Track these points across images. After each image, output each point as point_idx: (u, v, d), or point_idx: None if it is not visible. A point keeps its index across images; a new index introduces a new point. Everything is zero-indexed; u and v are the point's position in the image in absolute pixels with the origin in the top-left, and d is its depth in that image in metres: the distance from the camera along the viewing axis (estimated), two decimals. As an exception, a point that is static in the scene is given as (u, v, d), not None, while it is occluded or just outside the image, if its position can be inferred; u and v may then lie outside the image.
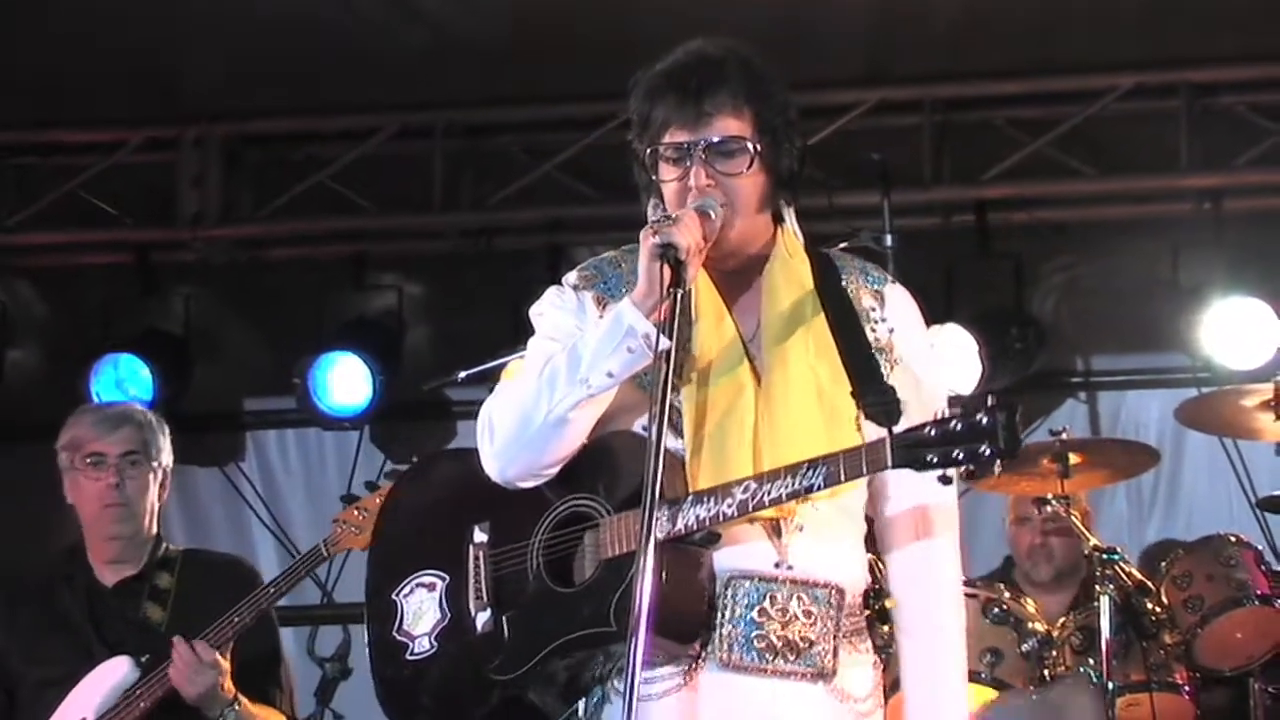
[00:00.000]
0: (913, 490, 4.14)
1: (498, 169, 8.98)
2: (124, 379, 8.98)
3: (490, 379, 8.46)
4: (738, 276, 4.20)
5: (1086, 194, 8.74)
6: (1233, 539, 7.25)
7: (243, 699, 5.87)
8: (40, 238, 9.29)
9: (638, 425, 4.06)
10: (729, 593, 4.03)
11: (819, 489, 3.90)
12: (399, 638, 4.33)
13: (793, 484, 3.90)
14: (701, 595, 4.00)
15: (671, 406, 3.97)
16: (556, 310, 4.23)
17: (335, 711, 6.49)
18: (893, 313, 4.23)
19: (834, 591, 4.07)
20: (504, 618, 4.17)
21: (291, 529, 9.27)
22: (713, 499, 3.94)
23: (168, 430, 6.18)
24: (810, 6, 7.93)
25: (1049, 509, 7.16)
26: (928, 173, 8.59)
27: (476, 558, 4.24)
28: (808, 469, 3.89)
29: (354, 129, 9.06)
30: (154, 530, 6.14)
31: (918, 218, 8.52)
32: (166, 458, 6.13)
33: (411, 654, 4.30)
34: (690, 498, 3.96)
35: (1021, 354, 8.60)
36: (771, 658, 4.02)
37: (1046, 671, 7.03)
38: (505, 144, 9.05)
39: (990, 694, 6.91)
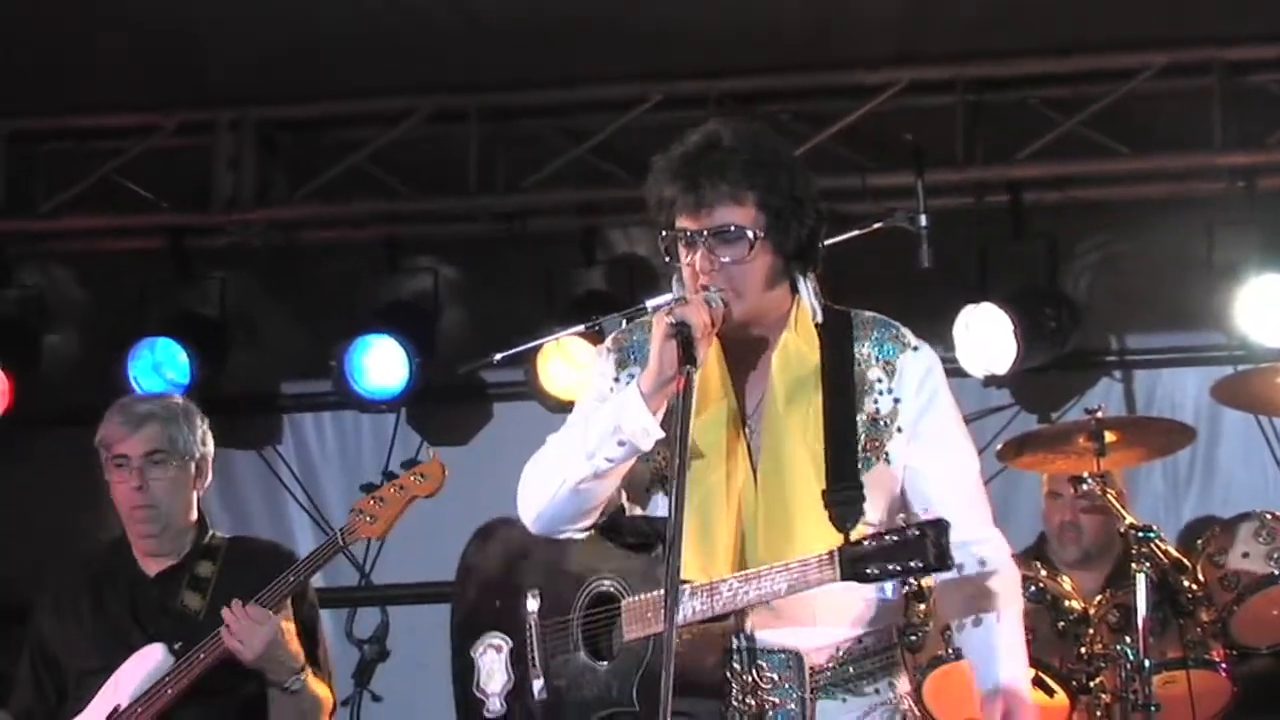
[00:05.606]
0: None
1: (531, 151, 8.97)
2: (161, 363, 8.99)
3: (525, 360, 8.52)
4: (747, 347, 4.39)
5: (1120, 173, 8.72)
6: (1269, 516, 7.25)
7: (309, 669, 5.89)
8: (76, 223, 9.31)
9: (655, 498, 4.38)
10: None
11: (784, 594, 4.18)
12: (477, 694, 4.65)
13: (763, 588, 4.19)
14: (716, 662, 4.28)
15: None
16: (596, 376, 4.50)
17: (374, 693, 6.51)
18: (901, 383, 4.37)
19: (791, 656, 4.28)
20: (555, 687, 4.48)
21: (328, 512, 9.26)
22: (704, 594, 4.23)
23: (201, 418, 6.13)
24: (842, -12, 7.93)
25: (1084, 487, 7.17)
26: (961, 153, 8.57)
27: (530, 625, 4.53)
28: (775, 574, 4.19)
29: (388, 112, 9.06)
30: (192, 519, 6.12)
31: (951, 198, 8.51)
32: (201, 447, 6.09)
33: (489, 711, 4.63)
34: (687, 591, 4.20)
35: (1056, 333, 8.60)
36: None
37: (1083, 649, 7.04)
38: (539, 126, 9.04)
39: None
